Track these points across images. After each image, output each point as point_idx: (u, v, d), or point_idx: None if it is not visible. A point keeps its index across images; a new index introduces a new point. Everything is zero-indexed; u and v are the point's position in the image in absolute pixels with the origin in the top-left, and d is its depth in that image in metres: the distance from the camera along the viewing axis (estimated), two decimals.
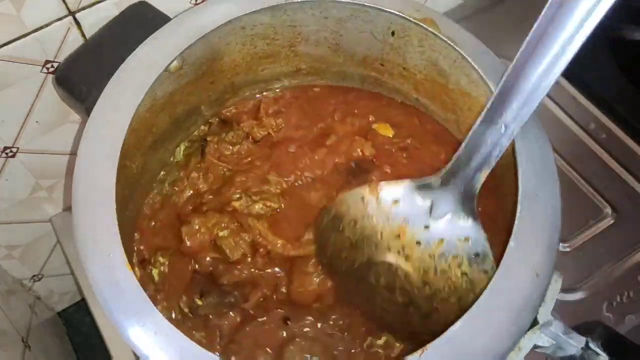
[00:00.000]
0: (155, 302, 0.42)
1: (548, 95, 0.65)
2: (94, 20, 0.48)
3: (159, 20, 0.45)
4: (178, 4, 0.51)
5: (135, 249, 0.46)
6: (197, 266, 0.45)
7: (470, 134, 0.36)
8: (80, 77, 0.45)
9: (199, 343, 0.32)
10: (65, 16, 0.47)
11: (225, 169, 0.49)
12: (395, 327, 0.43)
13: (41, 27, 0.46)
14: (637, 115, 0.64)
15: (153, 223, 0.47)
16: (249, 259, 0.45)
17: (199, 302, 0.43)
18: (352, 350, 0.43)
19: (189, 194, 0.49)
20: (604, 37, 0.68)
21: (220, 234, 0.45)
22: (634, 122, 0.64)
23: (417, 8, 0.44)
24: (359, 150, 0.49)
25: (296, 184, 0.49)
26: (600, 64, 0.68)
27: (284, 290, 0.45)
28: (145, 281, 0.44)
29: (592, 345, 0.36)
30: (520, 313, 0.34)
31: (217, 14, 0.43)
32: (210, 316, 0.43)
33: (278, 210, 0.47)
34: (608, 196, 0.61)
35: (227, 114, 0.52)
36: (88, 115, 0.39)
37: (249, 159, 0.50)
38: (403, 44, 0.46)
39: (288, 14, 0.45)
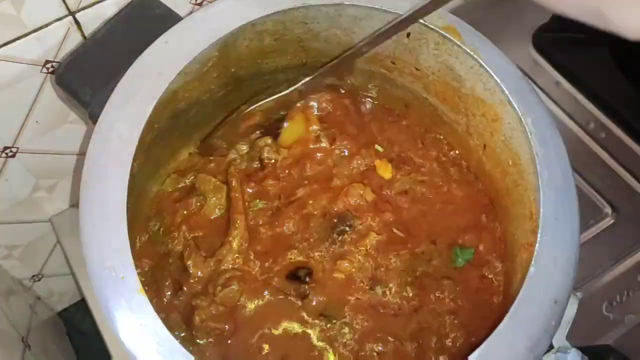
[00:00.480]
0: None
1: (548, 95, 0.65)
2: (94, 20, 0.48)
3: (159, 18, 0.45)
4: (178, 4, 0.51)
5: None
6: None
7: None
8: (80, 77, 0.45)
9: None
10: (65, 16, 0.47)
11: None
12: None
13: (41, 27, 0.46)
14: (637, 115, 0.64)
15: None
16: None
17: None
18: None
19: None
20: (604, 37, 0.68)
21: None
22: (634, 122, 0.64)
23: (439, 15, 0.43)
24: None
25: None
26: (600, 64, 0.68)
27: None
28: None
29: None
30: (539, 341, 0.34)
31: (232, 17, 0.42)
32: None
33: None
34: (608, 196, 0.60)
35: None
36: (89, 116, 0.39)
37: None
38: (418, 46, 0.46)
39: (301, 11, 0.45)
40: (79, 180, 0.37)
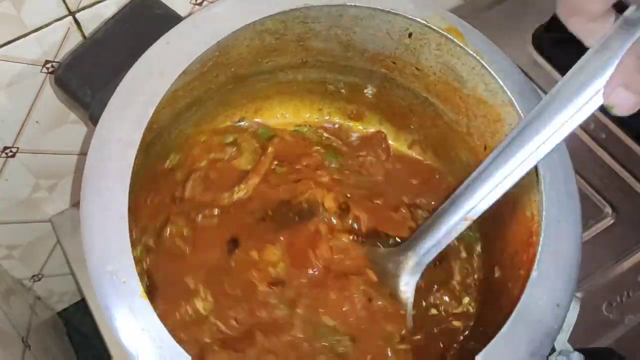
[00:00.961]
0: None
1: None
2: (94, 20, 0.48)
3: (159, 18, 0.45)
4: (178, 4, 0.51)
5: None
6: None
7: (431, 219, 0.40)
8: (80, 77, 0.45)
9: None
10: (65, 16, 0.47)
11: None
12: None
13: (41, 27, 0.46)
14: (637, 115, 0.64)
15: None
16: None
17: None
18: None
19: None
20: None
21: None
22: (634, 122, 0.64)
23: (442, 16, 0.43)
24: None
25: None
26: None
27: None
28: None
29: None
30: (541, 345, 0.34)
31: (234, 17, 0.42)
32: None
33: None
34: (608, 196, 0.61)
35: None
36: (89, 117, 0.39)
37: None
38: (419, 46, 0.46)
39: (302, 11, 0.44)
40: (79, 180, 0.36)
